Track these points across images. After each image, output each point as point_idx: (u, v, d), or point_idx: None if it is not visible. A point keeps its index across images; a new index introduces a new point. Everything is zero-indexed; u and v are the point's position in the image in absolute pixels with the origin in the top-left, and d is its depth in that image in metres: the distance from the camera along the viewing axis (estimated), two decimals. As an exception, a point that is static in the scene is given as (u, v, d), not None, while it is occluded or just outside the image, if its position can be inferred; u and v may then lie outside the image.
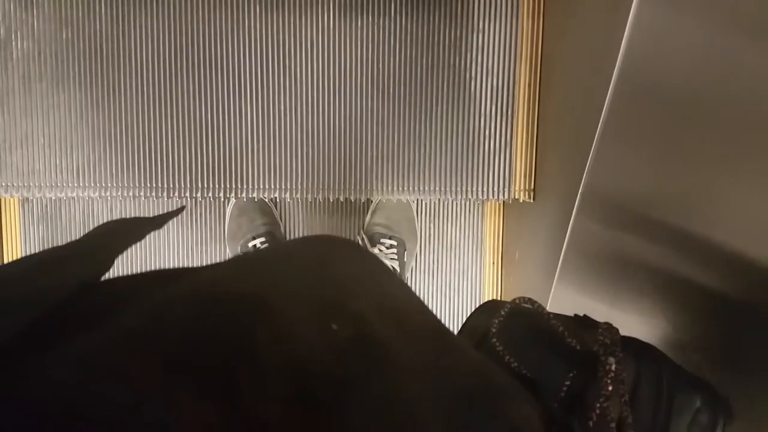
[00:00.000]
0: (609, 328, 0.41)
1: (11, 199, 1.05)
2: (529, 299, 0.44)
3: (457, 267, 1.14)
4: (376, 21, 0.92)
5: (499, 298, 1.12)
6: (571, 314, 0.46)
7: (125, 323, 0.20)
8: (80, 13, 0.89)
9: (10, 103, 0.90)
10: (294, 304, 0.23)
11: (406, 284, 0.30)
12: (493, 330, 0.42)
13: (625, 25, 0.53)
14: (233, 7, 0.90)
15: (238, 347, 0.20)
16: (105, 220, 1.02)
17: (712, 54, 0.46)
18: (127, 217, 0.29)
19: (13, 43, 0.89)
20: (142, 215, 1.03)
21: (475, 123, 0.95)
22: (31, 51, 0.89)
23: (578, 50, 0.80)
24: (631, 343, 0.43)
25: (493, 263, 1.15)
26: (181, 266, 0.28)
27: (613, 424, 0.36)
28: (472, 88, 0.94)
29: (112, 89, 0.91)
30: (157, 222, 0.29)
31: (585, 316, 0.45)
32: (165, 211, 0.30)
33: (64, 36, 0.89)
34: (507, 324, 0.43)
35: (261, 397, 0.19)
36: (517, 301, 0.45)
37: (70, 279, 0.22)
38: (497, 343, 0.41)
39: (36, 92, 0.90)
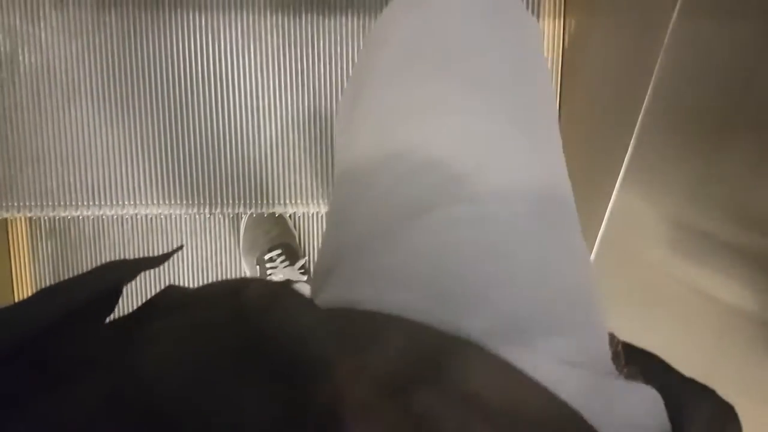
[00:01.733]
0: (611, 336, 0.35)
1: (19, 215, 1.02)
2: None
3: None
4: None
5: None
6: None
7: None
8: (89, 26, 0.86)
9: (19, 120, 0.88)
10: None
11: None
12: None
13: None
14: (248, 17, 0.88)
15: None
16: (115, 235, 1.00)
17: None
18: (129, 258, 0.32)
19: (20, 57, 0.86)
20: (151, 232, 1.01)
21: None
22: (40, 65, 0.87)
23: (610, 47, 0.78)
24: (633, 354, 0.37)
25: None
26: (195, 280, 0.32)
27: None
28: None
29: (125, 104, 0.88)
30: (156, 261, 0.30)
31: None
32: (166, 251, 0.32)
33: (73, 49, 0.87)
34: None
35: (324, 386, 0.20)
36: None
37: (82, 296, 0.24)
38: None
39: (46, 108, 0.88)
